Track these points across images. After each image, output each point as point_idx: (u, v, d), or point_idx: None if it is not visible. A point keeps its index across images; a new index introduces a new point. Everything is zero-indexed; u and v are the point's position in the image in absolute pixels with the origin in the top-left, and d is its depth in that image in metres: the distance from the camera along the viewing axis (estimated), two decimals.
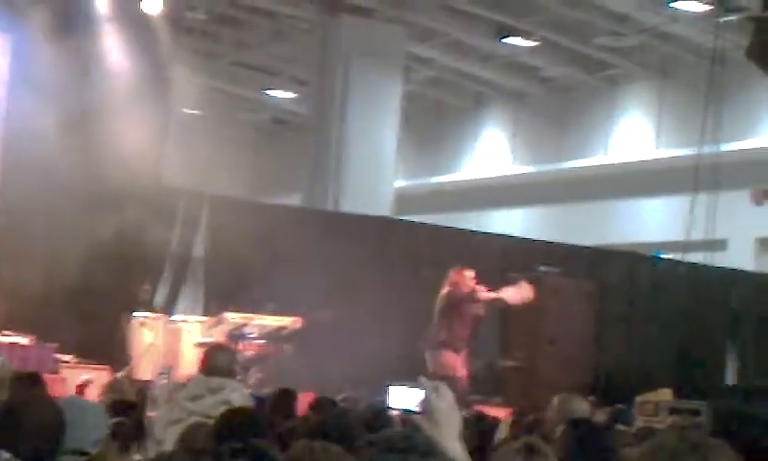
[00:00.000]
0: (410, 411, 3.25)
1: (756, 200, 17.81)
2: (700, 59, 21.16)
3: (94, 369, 13.30)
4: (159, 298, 15.50)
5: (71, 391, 11.28)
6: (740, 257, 21.80)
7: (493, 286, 13.44)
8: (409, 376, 11.04)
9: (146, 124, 16.53)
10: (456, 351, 13.19)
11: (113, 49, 17.10)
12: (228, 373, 7.48)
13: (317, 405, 7.26)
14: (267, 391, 9.64)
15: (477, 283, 13.26)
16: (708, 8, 20.57)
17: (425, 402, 3.25)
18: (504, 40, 24.14)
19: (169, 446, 6.00)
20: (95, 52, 16.90)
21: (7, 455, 4.10)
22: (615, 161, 25.64)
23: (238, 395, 7.03)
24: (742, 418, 4.17)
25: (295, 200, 24.56)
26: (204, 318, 14.77)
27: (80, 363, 13.99)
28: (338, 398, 8.98)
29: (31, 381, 7.07)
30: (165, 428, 6.50)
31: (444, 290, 13.29)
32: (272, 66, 29.22)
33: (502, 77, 27.30)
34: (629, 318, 18.83)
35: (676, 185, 21.19)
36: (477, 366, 13.87)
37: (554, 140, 27.22)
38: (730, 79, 18.85)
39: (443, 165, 29.99)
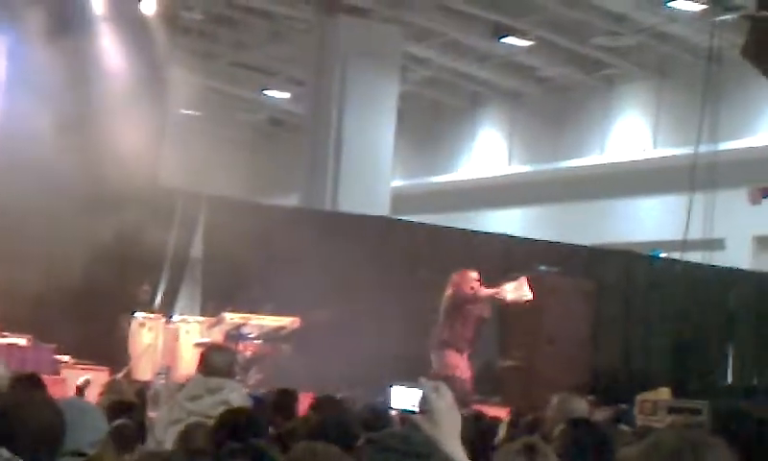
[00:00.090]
0: (410, 411, 3.25)
1: (752, 199, 17.80)
2: (697, 58, 21.18)
3: (93, 370, 13.28)
4: (158, 298, 15.50)
5: (70, 392, 11.27)
6: (738, 256, 21.81)
7: (492, 286, 13.45)
8: (407, 377, 11.05)
9: (143, 124, 16.53)
10: (459, 351, 13.21)
11: (110, 50, 17.09)
12: (227, 373, 7.47)
13: (318, 404, 7.25)
14: (265, 391, 9.64)
15: (480, 284, 13.29)
16: (704, 7, 20.59)
17: (425, 402, 3.25)
18: (501, 40, 24.15)
19: (169, 446, 6.01)
20: (92, 53, 16.89)
21: (7, 454, 4.10)
22: (612, 161, 25.66)
23: (237, 395, 7.03)
24: (743, 417, 4.17)
25: (292, 200, 24.56)
26: (203, 318, 14.77)
27: (78, 364, 13.97)
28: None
29: (31, 382, 7.06)
30: (165, 429, 6.50)
31: (448, 291, 13.33)
32: (269, 66, 29.22)
33: (499, 77, 27.32)
34: (626, 317, 18.82)
35: (673, 185, 21.20)
36: (476, 366, 13.85)
37: (551, 140, 27.23)
38: (726, 78, 18.87)
39: (440, 165, 30.00)
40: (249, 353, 14.16)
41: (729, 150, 20.08)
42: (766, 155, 21.51)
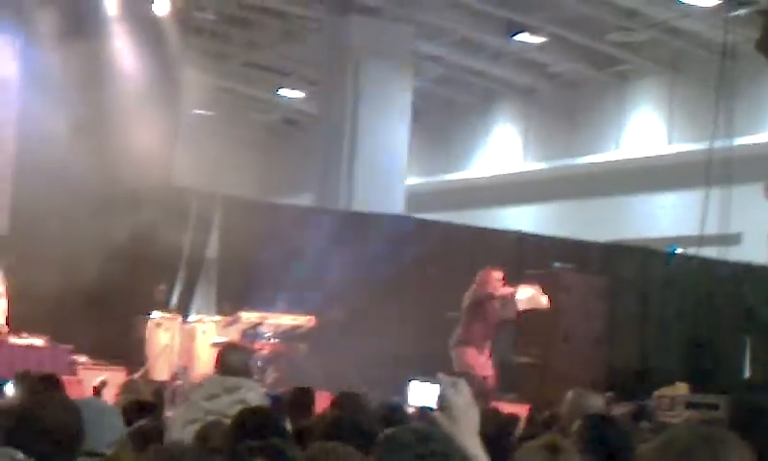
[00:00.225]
0: (428, 407, 3.24)
1: None
2: (710, 53, 21.10)
3: (110, 370, 13.32)
4: (174, 298, 15.53)
5: (87, 392, 11.30)
6: (754, 251, 21.70)
7: (509, 283, 13.51)
8: (423, 374, 11.05)
9: (156, 125, 16.57)
10: (480, 349, 13.25)
11: (123, 50, 17.13)
12: (243, 372, 7.48)
13: (339, 401, 7.23)
14: (282, 390, 9.64)
15: (504, 284, 13.37)
16: (717, 2, 20.52)
17: (443, 399, 3.25)
18: (514, 37, 24.12)
19: None
20: (105, 53, 16.92)
21: (21, 456, 4.11)
22: (627, 157, 25.60)
23: (254, 394, 7.03)
24: (761, 412, 4.16)
25: (306, 199, 24.58)
26: (219, 318, 14.79)
27: (95, 364, 14.02)
28: None
29: (49, 383, 7.09)
30: (182, 428, 6.50)
31: (471, 289, 13.40)
32: (282, 66, 29.23)
33: (512, 74, 27.28)
34: (643, 314, 18.78)
35: (689, 180, 21.14)
36: (492, 363, 13.87)
37: (565, 136, 27.18)
38: (741, 73, 18.78)
39: (454, 163, 29.97)
40: (265, 353, 14.18)
41: (744, 145, 20.00)
42: None
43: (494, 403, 11.33)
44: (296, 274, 15.35)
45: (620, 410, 9.23)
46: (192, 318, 15.01)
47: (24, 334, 14.18)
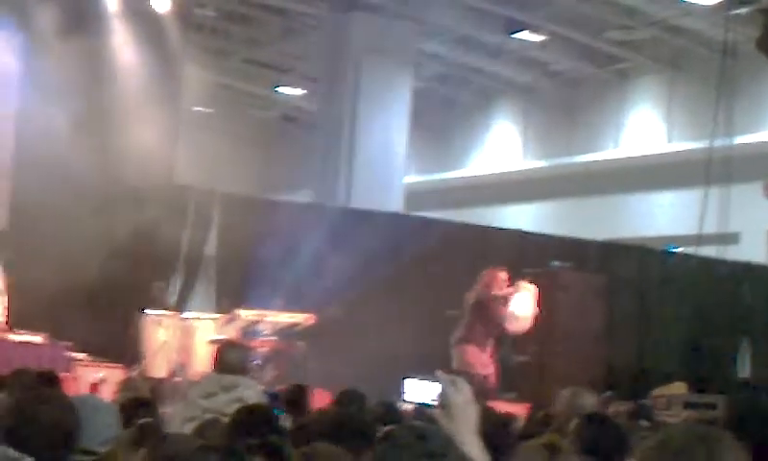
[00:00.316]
0: (426, 405, 3.24)
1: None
2: (711, 51, 21.10)
3: (107, 367, 13.31)
4: (172, 295, 15.51)
5: (84, 389, 11.30)
6: (753, 251, 21.71)
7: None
8: (421, 372, 11.05)
9: (156, 122, 16.56)
10: (481, 347, 13.26)
11: (123, 47, 17.11)
12: (241, 370, 7.48)
13: (341, 398, 7.22)
14: (281, 387, 9.64)
15: (509, 285, 13.43)
16: (718, 0, 20.51)
17: (442, 396, 3.24)
18: (514, 35, 24.11)
19: None
20: (105, 50, 16.91)
21: (13, 453, 4.10)
22: (626, 155, 25.60)
23: (252, 392, 7.04)
24: (758, 412, 4.15)
25: (305, 197, 24.58)
26: (217, 315, 14.78)
27: (93, 361, 13.99)
28: None
29: (47, 380, 7.08)
30: (180, 426, 6.50)
31: (475, 288, 13.43)
32: (282, 63, 29.23)
33: (512, 72, 27.28)
34: (641, 312, 18.77)
35: (688, 179, 21.14)
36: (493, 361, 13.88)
37: (564, 135, 27.18)
38: (741, 71, 18.77)
39: (453, 161, 29.97)
40: (264, 350, 14.17)
41: (744, 144, 19.98)
42: None
43: (493, 402, 11.34)
44: (294, 271, 15.34)
45: (618, 409, 9.22)
46: (190, 315, 14.98)
47: (22, 331, 14.16)
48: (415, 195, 25.99)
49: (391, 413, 6.64)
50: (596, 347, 16.09)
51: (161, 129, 16.70)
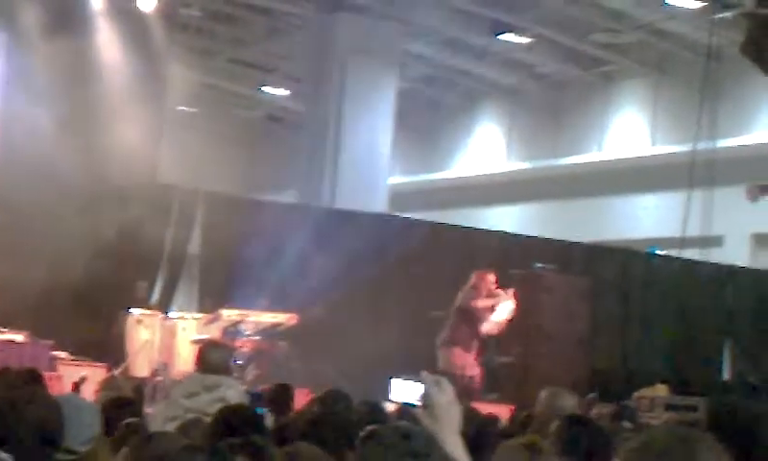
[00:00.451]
0: (410, 405, 3.24)
1: (751, 196, 17.77)
2: (695, 55, 21.16)
3: (90, 366, 13.27)
4: (155, 295, 15.48)
5: (67, 389, 11.26)
6: (736, 253, 21.81)
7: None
8: (406, 372, 11.05)
9: (141, 121, 16.53)
10: (466, 348, 13.28)
11: (108, 46, 17.07)
12: (224, 370, 7.47)
13: (324, 398, 7.21)
14: (263, 387, 9.63)
15: (497, 287, 13.49)
16: (703, 4, 20.58)
17: (426, 397, 3.25)
18: (499, 37, 24.14)
19: None
20: (89, 49, 16.86)
21: (3, 455, 4.09)
22: (611, 158, 25.66)
23: (234, 392, 7.03)
24: (739, 414, 4.17)
25: (290, 197, 24.57)
26: (200, 315, 14.75)
27: (75, 360, 13.95)
28: None
29: (30, 378, 7.06)
30: (162, 426, 6.49)
31: (462, 291, 13.46)
32: (267, 63, 29.21)
33: (497, 74, 27.31)
34: (624, 315, 18.82)
35: (671, 182, 21.20)
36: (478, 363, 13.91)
37: (549, 137, 27.23)
38: (725, 75, 18.87)
39: (438, 162, 29.99)
40: (246, 350, 14.15)
41: (727, 147, 20.07)
42: (764, 152, 21.52)
43: (477, 404, 11.35)
44: (278, 271, 15.32)
45: (602, 411, 9.24)
46: (173, 314, 14.95)
47: (4, 329, 14.11)
48: (399, 196, 25.99)
49: (375, 413, 6.64)
50: (580, 348, 16.12)
51: (146, 128, 16.67)
